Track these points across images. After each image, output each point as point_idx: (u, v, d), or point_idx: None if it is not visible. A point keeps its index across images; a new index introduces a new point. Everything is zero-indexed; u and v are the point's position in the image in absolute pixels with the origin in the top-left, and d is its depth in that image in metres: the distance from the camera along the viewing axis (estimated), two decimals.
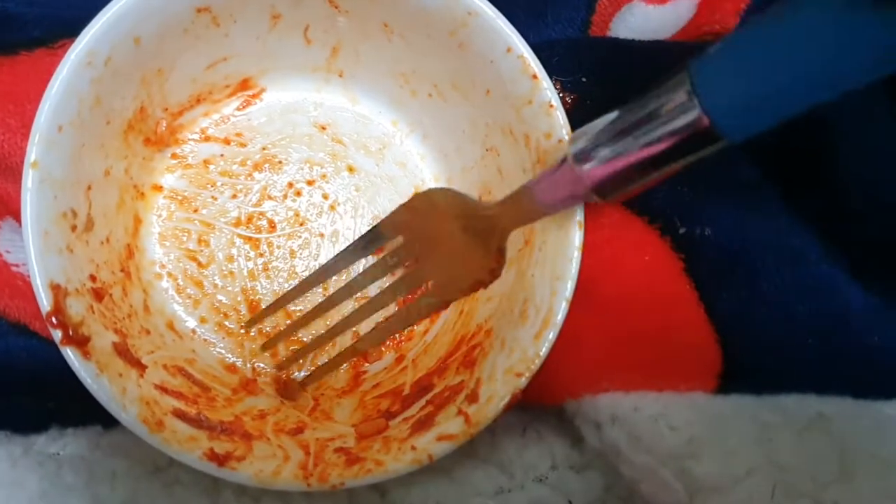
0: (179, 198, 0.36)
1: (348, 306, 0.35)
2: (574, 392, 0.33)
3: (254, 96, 0.37)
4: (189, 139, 0.36)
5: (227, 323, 0.35)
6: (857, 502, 0.29)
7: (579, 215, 0.30)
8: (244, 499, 0.32)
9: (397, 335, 0.36)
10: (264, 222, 0.36)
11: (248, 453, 0.29)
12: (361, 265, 0.36)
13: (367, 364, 0.35)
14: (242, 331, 0.35)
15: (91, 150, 0.30)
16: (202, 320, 0.34)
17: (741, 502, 0.29)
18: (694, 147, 0.21)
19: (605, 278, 0.32)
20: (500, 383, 0.30)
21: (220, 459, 0.28)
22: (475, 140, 0.35)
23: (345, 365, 0.35)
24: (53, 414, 0.33)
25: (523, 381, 0.29)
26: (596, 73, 0.33)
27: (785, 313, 0.32)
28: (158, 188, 0.35)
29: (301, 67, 0.36)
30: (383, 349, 0.36)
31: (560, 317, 0.30)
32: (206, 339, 0.34)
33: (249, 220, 0.36)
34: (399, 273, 0.34)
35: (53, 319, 0.27)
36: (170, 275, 0.35)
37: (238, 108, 0.37)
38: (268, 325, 0.35)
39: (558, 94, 0.31)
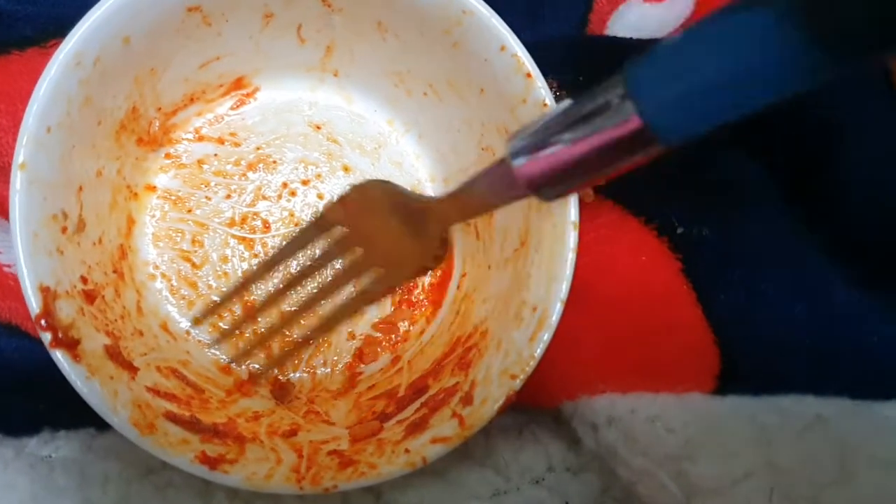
0: (173, 198, 0.35)
1: (302, 295, 0.33)
2: (570, 393, 0.33)
3: (248, 95, 0.37)
4: (183, 139, 0.36)
5: (221, 324, 0.34)
6: None
7: (574, 216, 0.30)
8: (237, 501, 0.32)
9: (392, 336, 0.35)
10: (259, 223, 0.36)
11: (240, 456, 0.29)
12: (307, 256, 0.34)
13: (362, 365, 0.35)
14: (191, 325, 0.34)
15: (82, 151, 0.30)
16: (196, 321, 0.34)
17: None
18: (629, 149, 0.20)
19: (602, 279, 0.32)
20: (494, 385, 0.29)
21: (212, 462, 0.28)
22: (471, 139, 0.35)
23: (305, 355, 0.34)
24: (45, 416, 0.33)
25: (518, 383, 0.29)
26: (593, 72, 0.33)
27: (783, 314, 0.31)
28: (152, 188, 0.35)
29: (295, 67, 0.36)
30: (379, 350, 0.35)
31: (555, 318, 0.29)
32: (200, 341, 0.34)
33: (244, 220, 0.36)
34: (346, 260, 0.33)
35: (43, 322, 0.27)
36: (163, 276, 0.34)
37: (232, 108, 0.37)
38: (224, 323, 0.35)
39: (555, 93, 0.31)
